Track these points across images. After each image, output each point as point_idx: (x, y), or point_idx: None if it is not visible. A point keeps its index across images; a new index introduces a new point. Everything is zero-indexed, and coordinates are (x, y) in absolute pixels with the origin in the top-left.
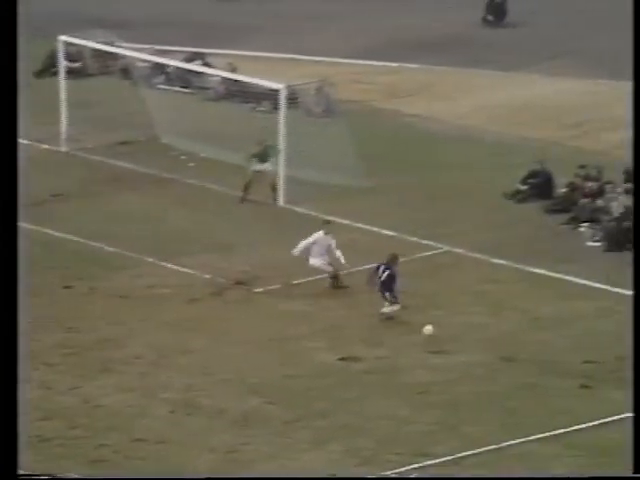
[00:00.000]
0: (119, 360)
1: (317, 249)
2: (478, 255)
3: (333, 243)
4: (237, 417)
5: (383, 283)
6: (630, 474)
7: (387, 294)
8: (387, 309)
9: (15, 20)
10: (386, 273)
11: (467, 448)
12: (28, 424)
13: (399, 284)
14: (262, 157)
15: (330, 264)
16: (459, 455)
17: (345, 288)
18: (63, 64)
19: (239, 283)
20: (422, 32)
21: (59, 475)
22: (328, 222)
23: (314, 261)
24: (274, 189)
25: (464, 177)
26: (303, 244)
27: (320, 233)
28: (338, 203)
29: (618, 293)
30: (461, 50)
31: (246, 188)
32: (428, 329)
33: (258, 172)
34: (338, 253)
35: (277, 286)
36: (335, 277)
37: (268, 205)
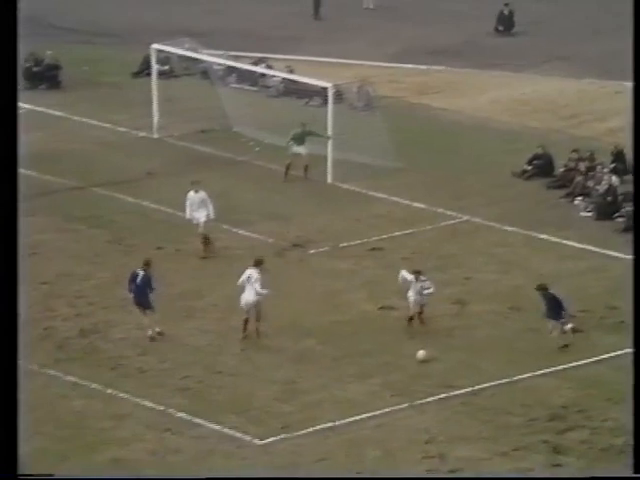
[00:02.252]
0: (200, 308)
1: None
2: (491, 223)
3: (426, 283)
4: (294, 355)
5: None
6: (630, 474)
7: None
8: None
9: (15, 19)
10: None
11: (484, 382)
12: (129, 360)
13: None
14: (299, 139)
15: (417, 302)
16: (477, 387)
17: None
18: (155, 67)
19: (296, 246)
20: (443, 40)
21: (59, 475)
22: (418, 273)
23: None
24: (306, 168)
25: (480, 159)
26: (402, 278)
27: (410, 276)
28: (375, 181)
29: (606, 254)
30: (477, 55)
31: (288, 167)
32: (421, 354)
33: (296, 154)
34: (427, 284)
35: (327, 249)
36: (413, 317)
37: (318, 182)
